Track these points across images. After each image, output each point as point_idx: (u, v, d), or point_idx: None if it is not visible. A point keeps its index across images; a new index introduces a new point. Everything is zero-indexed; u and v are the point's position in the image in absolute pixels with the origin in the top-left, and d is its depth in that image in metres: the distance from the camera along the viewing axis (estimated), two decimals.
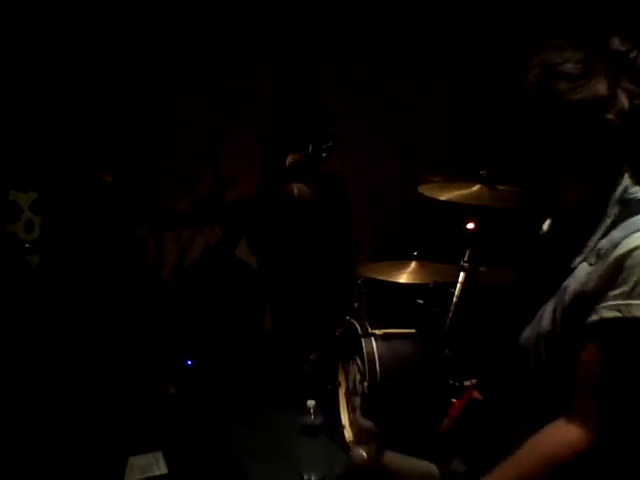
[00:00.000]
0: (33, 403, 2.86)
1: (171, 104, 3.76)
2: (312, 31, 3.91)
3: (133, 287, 3.37)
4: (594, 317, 1.03)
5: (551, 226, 1.29)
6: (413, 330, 2.48)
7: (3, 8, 3.42)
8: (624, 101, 1.08)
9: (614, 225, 1.08)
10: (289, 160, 3.33)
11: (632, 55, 1.11)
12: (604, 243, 1.07)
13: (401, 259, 2.78)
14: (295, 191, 3.37)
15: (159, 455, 2.46)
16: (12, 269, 3.12)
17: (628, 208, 1.09)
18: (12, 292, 3.04)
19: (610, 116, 1.07)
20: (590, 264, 1.07)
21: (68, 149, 3.37)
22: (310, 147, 3.12)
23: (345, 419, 2.68)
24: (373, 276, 2.70)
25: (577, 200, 1.14)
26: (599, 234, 1.09)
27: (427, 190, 2.37)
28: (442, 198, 2.29)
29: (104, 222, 3.32)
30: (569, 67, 1.08)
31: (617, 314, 1.01)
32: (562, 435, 1.06)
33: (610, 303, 1.02)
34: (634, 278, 1.01)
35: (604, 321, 1.02)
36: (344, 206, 3.68)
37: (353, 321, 2.62)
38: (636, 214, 1.07)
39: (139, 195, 3.46)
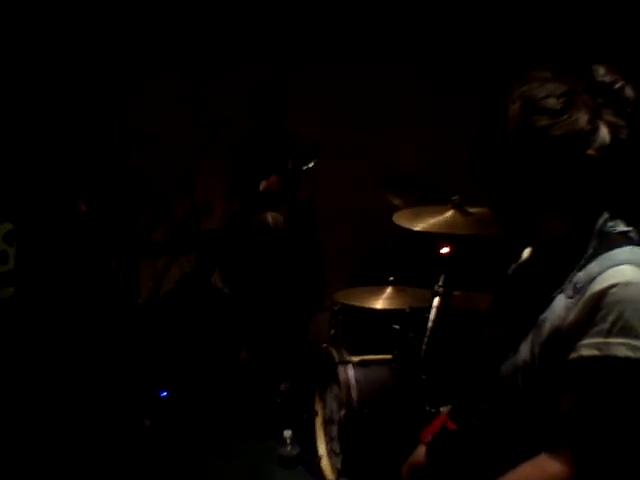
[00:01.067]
0: (6, 435, 2.79)
1: (147, 131, 3.75)
2: (281, 54, 3.94)
3: (107, 317, 3.33)
4: (573, 355, 1.02)
5: (531, 255, 1.28)
6: (390, 356, 2.46)
7: None
8: (605, 135, 1.06)
9: (591, 258, 1.07)
10: (263, 185, 3.34)
11: (617, 86, 1.08)
12: (581, 276, 1.06)
13: (377, 285, 2.77)
14: (270, 220, 3.37)
15: None
16: None
17: (606, 241, 1.08)
18: None
19: (591, 151, 1.06)
20: (568, 297, 1.06)
21: (43, 180, 3.35)
22: (289, 163, 3.14)
23: (322, 449, 2.65)
24: (349, 302, 2.70)
25: (557, 233, 1.13)
26: (578, 267, 1.08)
27: (402, 220, 2.37)
28: (416, 228, 2.28)
29: (79, 252, 3.29)
30: (551, 102, 1.06)
31: (595, 352, 1.00)
32: (543, 469, 1.04)
33: (588, 341, 1.01)
34: (611, 317, 1.00)
35: (583, 359, 1.01)
36: (314, 231, 3.68)
37: (330, 348, 2.60)
38: (613, 247, 1.06)
39: (114, 224, 3.44)
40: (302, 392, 3.06)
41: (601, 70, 1.10)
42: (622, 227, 1.10)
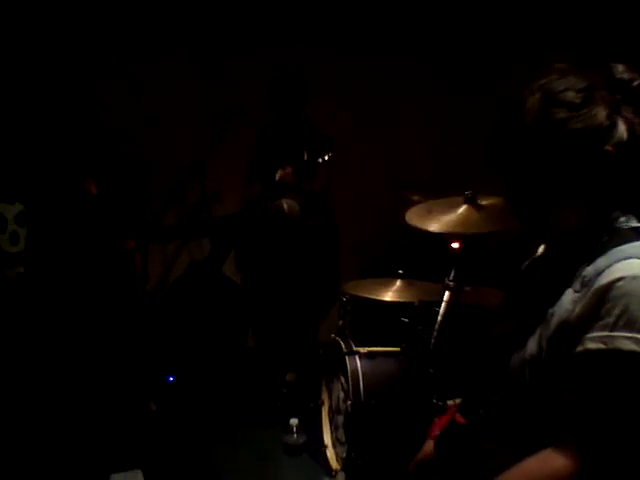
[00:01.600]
0: (12, 417, 2.82)
1: (160, 116, 3.76)
2: (297, 48, 3.94)
3: (119, 300, 3.34)
4: (579, 348, 1.03)
5: (545, 251, 1.28)
6: (397, 348, 2.47)
7: None
8: (623, 131, 1.07)
9: (601, 252, 1.07)
10: (279, 175, 3.35)
11: (635, 83, 1.09)
12: (589, 270, 1.06)
13: (387, 277, 2.78)
14: (285, 207, 3.37)
15: (138, 473, 2.42)
16: None
17: (616, 236, 1.08)
18: None
19: (608, 147, 1.06)
20: (575, 291, 1.07)
21: (54, 161, 3.35)
22: (305, 154, 3.14)
23: (328, 438, 2.66)
24: (358, 294, 2.70)
25: (571, 227, 1.14)
26: (587, 262, 1.08)
27: (414, 219, 2.35)
28: (431, 229, 2.27)
29: (90, 234, 3.30)
30: (570, 96, 1.07)
31: (601, 346, 1.00)
32: (549, 463, 1.05)
33: (594, 334, 1.02)
34: (617, 310, 1.00)
35: (588, 352, 1.02)
36: (330, 222, 3.69)
37: (337, 339, 2.61)
38: (623, 243, 1.07)
39: (125, 207, 3.44)
40: (309, 381, 3.07)
41: (620, 67, 1.11)
42: (634, 223, 1.11)
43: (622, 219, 1.11)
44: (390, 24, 4.10)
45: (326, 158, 3.07)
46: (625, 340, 0.99)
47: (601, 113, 1.07)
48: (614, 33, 3.11)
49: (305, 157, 3.13)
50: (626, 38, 3.01)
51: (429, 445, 1.39)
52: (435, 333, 2.28)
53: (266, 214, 3.44)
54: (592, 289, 1.03)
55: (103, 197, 3.33)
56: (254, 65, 3.88)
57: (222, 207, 3.82)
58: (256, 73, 3.71)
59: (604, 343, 1.00)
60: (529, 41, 3.51)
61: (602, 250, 1.07)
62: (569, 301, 1.07)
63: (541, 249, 1.30)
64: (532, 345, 1.12)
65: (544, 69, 1.13)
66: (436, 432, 1.39)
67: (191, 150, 3.53)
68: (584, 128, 1.06)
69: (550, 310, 1.10)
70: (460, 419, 1.35)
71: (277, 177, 3.36)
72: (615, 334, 0.99)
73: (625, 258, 1.03)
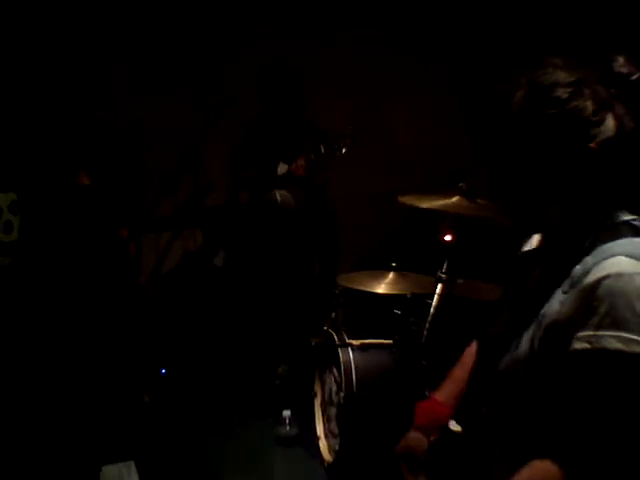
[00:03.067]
0: (3, 408, 2.81)
1: (154, 107, 3.74)
2: (293, 40, 3.91)
3: (112, 291, 3.33)
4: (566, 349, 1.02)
5: (540, 245, 1.27)
6: (390, 341, 2.48)
7: None
8: (611, 127, 1.06)
9: (589, 250, 1.06)
10: (284, 168, 3.32)
11: (633, 78, 1.07)
12: (578, 269, 1.05)
13: (380, 270, 2.78)
14: (278, 198, 3.36)
15: (131, 465, 2.42)
16: None
17: (607, 232, 1.07)
18: None
19: (593, 144, 1.05)
20: (563, 292, 1.06)
21: (48, 150, 3.34)
22: (322, 147, 3.11)
23: (320, 430, 2.67)
24: (351, 286, 2.71)
25: (561, 223, 1.12)
26: (577, 260, 1.07)
27: (407, 199, 2.38)
28: (423, 206, 2.31)
29: (84, 224, 3.28)
30: (557, 91, 1.06)
31: (587, 345, 0.99)
32: (540, 471, 1.03)
33: (580, 334, 1.00)
34: (602, 309, 0.99)
35: (575, 352, 1.01)
36: (329, 215, 3.67)
37: (330, 331, 2.61)
38: (611, 240, 1.05)
39: (118, 198, 3.43)
40: (301, 373, 3.08)
41: (620, 60, 1.09)
42: (626, 216, 1.09)
43: (612, 214, 1.09)
44: (388, 15, 4.08)
45: (344, 151, 3.02)
46: (611, 339, 0.97)
47: (588, 108, 1.05)
48: (611, 32, 3.11)
49: (322, 150, 3.09)
50: (623, 38, 3.01)
51: (417, 436, 1.36)
52: (427, 325, 2.30)
53: (258, 205, 3.43)
54: (579, 288, 1.02)
55: (96, 187, 3.32)
56: (247, 56, 3.86)
57: (215, 198, 3.81)
58: (251, 68, 3.68)
59: (589, 342, 0.99)
60: (533, 35, 3.50)
61: (590, 248, 1.06)
62: (558, 302, 1.06)
63: (535, 242, 1.28)
64: (525, 345, 1.11)
65: (534, 63, 1.11)
66: (422, 421, 1.37)
67: (184, 140, 3.51)
68: (570, 123, 1.05)
69: (542, 310, 1.10)
70: (455, 427, 1.34)
71: (281, 171, 3.33)
72: (601, 333, 0.98)
73: (611, 256, 1.02)
